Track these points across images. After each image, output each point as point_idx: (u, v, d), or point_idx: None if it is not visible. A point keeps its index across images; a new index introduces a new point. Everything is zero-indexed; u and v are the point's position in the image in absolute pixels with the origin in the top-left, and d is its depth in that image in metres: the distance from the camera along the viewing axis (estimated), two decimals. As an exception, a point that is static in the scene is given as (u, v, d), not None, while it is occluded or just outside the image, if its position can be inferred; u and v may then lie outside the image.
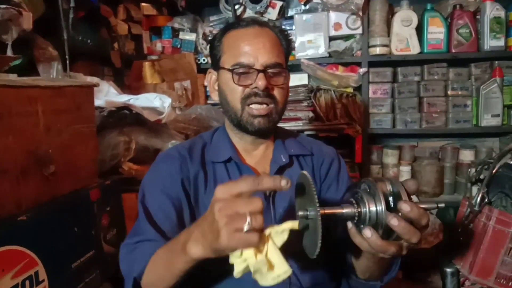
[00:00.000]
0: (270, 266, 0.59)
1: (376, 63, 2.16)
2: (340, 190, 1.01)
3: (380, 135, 2.28)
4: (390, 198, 0.64)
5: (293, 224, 0.62)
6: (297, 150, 1.00)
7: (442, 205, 0.65)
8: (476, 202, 1.55)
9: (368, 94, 2.18)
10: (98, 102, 1.41)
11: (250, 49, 0.89)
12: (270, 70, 0.90)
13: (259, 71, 0.88)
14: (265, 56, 0.89)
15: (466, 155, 2.18)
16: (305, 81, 2.14)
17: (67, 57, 1.46)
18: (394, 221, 0.60)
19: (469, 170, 1.76)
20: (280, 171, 0.96)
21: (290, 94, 1.14)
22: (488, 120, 2.08)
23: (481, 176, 1.68)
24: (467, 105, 2.14)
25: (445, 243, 1.80)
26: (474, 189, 1.73)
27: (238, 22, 0.96)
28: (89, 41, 1.65)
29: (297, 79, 2.11)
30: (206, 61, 2.21)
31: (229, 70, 0.90)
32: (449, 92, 2.15)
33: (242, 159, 0.96)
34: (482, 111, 2.07)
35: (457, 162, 2.21)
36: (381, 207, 0.61)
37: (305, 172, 0.63)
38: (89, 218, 1.07)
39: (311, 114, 2.02)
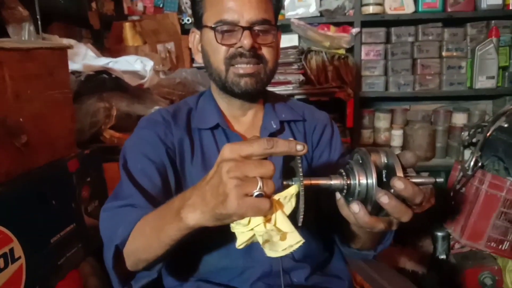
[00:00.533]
0: (283, 236, 0.54)
1: (369, 23, 2.08)
2: (333, 157, 0.96)
3: (372, 98, 2.23)
4: (384, 172, 0.59)
5: (297, 188, 0.56)
6: (289, 115, 0.94)
7: (441, 179, 0.59)
8: (469, 166, 1.52)
9: (361, 55, 2.11)
10: (75, 66, 1.32)
11: (234, 5, 0.80)
12: (256, 28, 0.82)
13: (244, 28, 0.80)
14: (251, 12, 0.80)
15: (459, 118, 2.16)
16: (295, 43, 2.06)
17: (38, 17, 1.35)
18: (384, 199, 0.54)
19: (462, 133, 1.73)
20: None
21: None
22: (483, 82, 2.03)
23: (474, 140, 1.65)
24: (461, 66, 2.08)
25: (437, 207, 1.80)
26: (467, 153, 1.71)
27: None
28: (61, 0, 1.53)
29: (286, 40, 2.02)
30: (190, 21, 2.09)
31: (211, 28, 0.82)
32: (444, 53, 2.09)
33: (230, 126, 0.90)
34: (476, 73, 2.02)
35: (450, 125, 2.19)
36: (372, 181, 0.56)
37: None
38: (68, 190, 1.01)
39: (301, 78, 1.94)
